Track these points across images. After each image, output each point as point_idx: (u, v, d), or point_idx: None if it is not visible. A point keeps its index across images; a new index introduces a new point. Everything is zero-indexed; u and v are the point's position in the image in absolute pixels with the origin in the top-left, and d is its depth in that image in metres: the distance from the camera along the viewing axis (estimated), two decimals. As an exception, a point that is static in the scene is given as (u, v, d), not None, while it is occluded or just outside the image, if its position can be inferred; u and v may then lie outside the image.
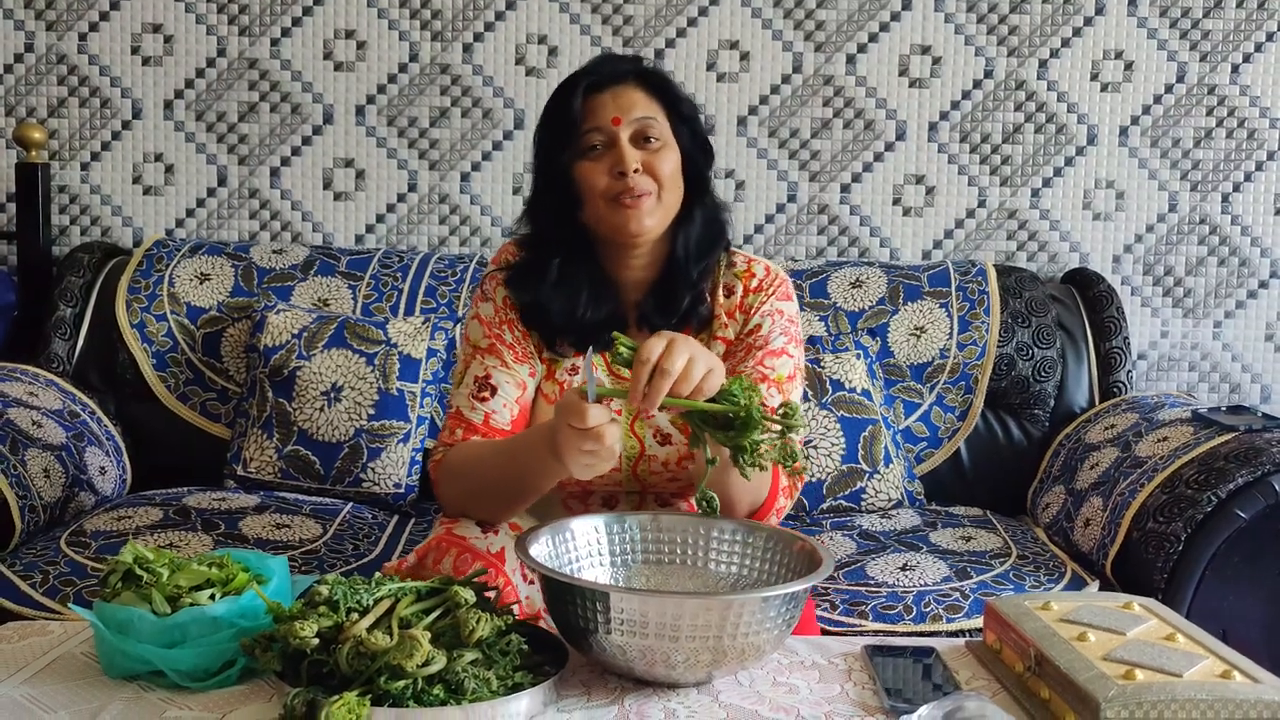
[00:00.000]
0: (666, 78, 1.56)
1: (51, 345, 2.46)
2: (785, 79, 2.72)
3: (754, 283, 1.60)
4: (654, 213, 1.49)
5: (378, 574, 1.24)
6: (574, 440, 1.25)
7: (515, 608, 1.32)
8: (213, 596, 1.19)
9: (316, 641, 1.08)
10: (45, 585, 1.82)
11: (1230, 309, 2.78)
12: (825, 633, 1.72)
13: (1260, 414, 2.08)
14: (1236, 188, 2.76)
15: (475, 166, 2.73)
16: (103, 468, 2.25)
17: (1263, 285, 2.78)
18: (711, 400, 1.26)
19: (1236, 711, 1.03)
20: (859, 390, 2.33)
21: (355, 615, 1.11)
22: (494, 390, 1.53)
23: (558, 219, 1.53)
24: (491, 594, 1.24)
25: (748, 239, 2.75)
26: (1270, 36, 2.72)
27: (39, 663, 1.22)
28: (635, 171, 1.47)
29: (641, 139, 1.50)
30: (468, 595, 1.15)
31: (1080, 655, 1.12)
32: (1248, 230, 2.77)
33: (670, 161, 1.50)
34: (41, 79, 2.70)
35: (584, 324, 1.54)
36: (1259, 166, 2.75)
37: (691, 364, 1.24)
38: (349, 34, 2.70)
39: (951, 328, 2.46)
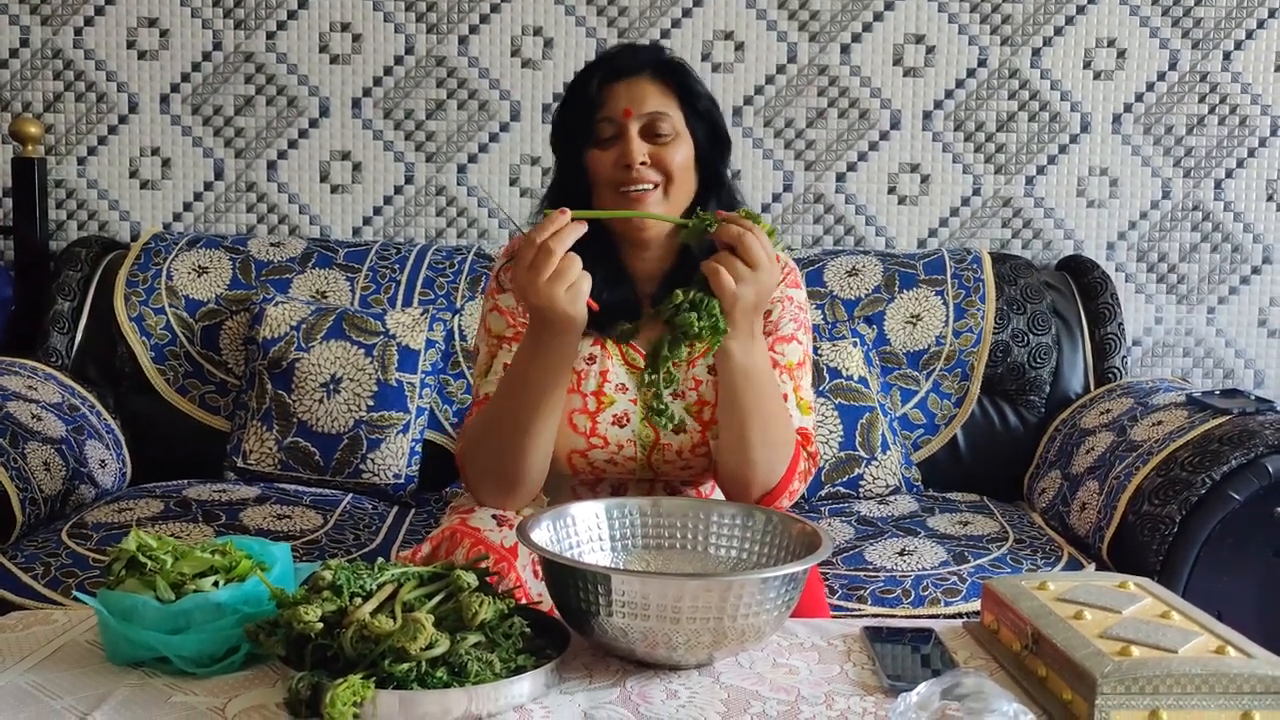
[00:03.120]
0: (684, 70, 1.55)
1: (50, 339, 2.46)
2: (780, 69, 2.73)
3: None
4: (658, 207, 1.49)
5: (380, 560, 1.24)
6: (526, 259, 1.31)
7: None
8: (216, 583, 1.20)
9: (320, 626, 1.09)
10: (47, 577, 1.83)
11: (1224, 295, 2.80)
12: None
13: (1254, 397, 2.10)
14: (1229, 174, 2.77)
15: (472, 158, 2.74)
16: (103, 461, 2.26)
17: (1255, 271, 2.80)
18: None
19: (1231, 686, 1.04)
20: (856, 378, 2.34)
21: (359, 600, 1.12)
22: None
23: (574, 207, 1.54)
24: (493, 579, 1.25)
25: (743, 229, 2.75)
26: (1261, 24, 2.73)
27: (43, 650, 1.22)
28: (642, 164, 1.47)
29: (651, 133, 1.49)
30: (470, 579, 1.16)
31: (1077, 633, 1.13)
32: (1240, 216, 2.78)
33: (680, 154, 1.50)
34: (37, 73, 2.70)
35: (600, 304, 1.54)
36: (1251, 153, 2.76)
37: (754, 280, 1.31)
38: (344, 27, 2.70)
39: (947, 315, 2.47)
